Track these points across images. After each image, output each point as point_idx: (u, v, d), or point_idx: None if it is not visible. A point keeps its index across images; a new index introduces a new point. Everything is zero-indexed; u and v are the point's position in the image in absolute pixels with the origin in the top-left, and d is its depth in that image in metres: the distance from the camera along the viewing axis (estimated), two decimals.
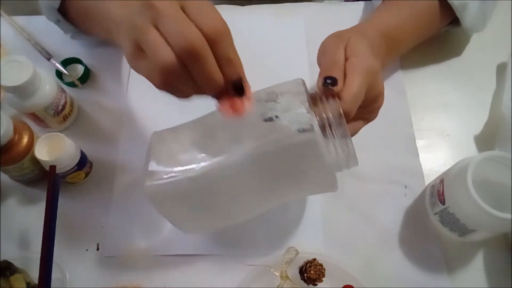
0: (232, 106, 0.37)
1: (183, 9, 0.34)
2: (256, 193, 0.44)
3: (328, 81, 0.41)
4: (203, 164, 0.41)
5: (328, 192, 0.47)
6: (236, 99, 0.37)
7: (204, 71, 0.34)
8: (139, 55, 0.35)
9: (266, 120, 0.40)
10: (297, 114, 0.39)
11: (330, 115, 0.40)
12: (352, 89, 0.41)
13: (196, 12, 0.34)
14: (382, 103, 0.48)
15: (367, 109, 0.47)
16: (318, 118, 0.40)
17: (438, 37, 0.65)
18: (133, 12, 0.36)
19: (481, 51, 0.67)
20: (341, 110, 0.40)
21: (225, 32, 0.34)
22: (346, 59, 0.44)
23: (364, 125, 0.49)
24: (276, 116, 0.40)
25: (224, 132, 0.42)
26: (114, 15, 0.47)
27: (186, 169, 0.41)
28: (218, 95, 0.37)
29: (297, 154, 0.40)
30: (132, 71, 0.66)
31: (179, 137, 0.45)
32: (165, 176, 0.41)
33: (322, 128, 0.40)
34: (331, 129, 0.40)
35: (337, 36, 0.48)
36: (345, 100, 0.41)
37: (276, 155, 0.40)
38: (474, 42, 0.67)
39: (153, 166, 0.42)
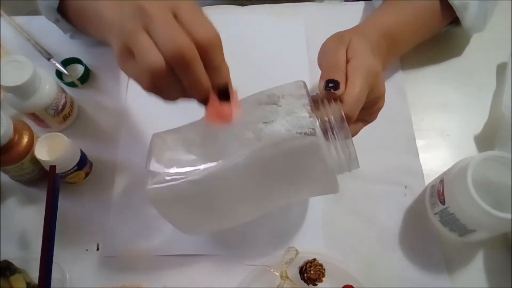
0: (218, 113, 0.38)
1: (175, 16, 0.35)
2: (257, 196, 0.44)
3: (330, 84, 0.41)
4: (204, 166, 0.41)
5: (329, 194, 0.47)
6: (223, 105, 0.38)
7: (192, 77, 0.35)
8: (128, 57, 0.36)
9: (266, 124, 0.40)
10: (299, 118, 0.39)
11: (332, 118, 0.40)
12: (354, 92, 0.41)
13: (188, 19, 0.35)
14: (383, 105, 0.48)
15: (367, 111, 0.47)
16: (320, 121, 0.40)
17: (439, 37, 0.65)
18: (124, 15, 0.36)
19: (481, 51, 0.67)
20: (343, 113, 0.40)
21: (216, 41, 0.35)
22: (347, 61, 0.44)
23: (363, 127, 0.49)
24: (278, 120, 0.40)
25: (225, 134, 0.42)
26: (106, 16, 0.47)
27: (187, 172, 0.41)
28: (204, 101, 0.37)
29: (299, 157, 0.40)
30: None
31: (180, 139, 0.45)
32: (167, 178, 0.41)
33: (324, 131, 0.40)
34: (333, 133, 0.40)
35: (338, 38, 0.48)
36: (347, 103, 0.41)
37: (278, 159, 0.40)
38: (474, 42, 0.67)
39: (154, 168, 0.42)
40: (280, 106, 0.41)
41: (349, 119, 0.40)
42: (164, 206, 0.44)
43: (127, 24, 0.35)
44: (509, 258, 0.52)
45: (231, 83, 0.38)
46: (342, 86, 0.41)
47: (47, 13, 0.61)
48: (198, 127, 0.45)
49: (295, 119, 0.39)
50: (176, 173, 0.41)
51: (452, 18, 0.60)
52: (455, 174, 0.49)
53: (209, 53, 0.35)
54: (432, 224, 0.54)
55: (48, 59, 0.64)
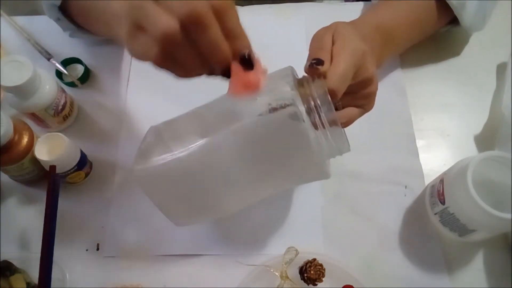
0: (244, 82, 0.34)
1: None
2: (244, 178, 0.44)
3: (314, 61, 0.41)
4: (190, 146, 0.41)
5: (321, 179, 0.46)
6: (248, 74, 0.34)
7: (210, 38, 0.32)
8: (137, 33, 0.34)
9: (251, 102, 0.39)
10: (281, 92, 0.39)
11: (315, 93, 0.39)
12: (338, 68, 0.41)
13: None
14: (376, 88, 0.46)
15: (359, 94, 0.46)
16: (303, 99, 0.39)
17: (438, 36, 0.65)
18: None
19: (481, 51, 0.67)
20: (326, 88, 0.39)
21: (231, 5, 0.33)
22: (333, 44, 0.44)
23: (360, 114, 0.47)
24: (260, 97, 0.39)
25: (211, 116, 0.43)
26: (112, 8, 0.45)
27: (174, 153, 0.41)
28: (226, 72, 0.35)
29: (280, 132, 0.40)
30: (132, 70, 0.67)
31: (171, 126, 0.45)
32: (154, 160, 0.41)
33: (308, 109, 0.39)
34: (316, 109, 0.39)
35: (325, 27, 0.48)
36: (331, 79, 0.40)
37: (260, 135, 0.40)
38: (474, 42, 0.67)
39: (143, 152, 0.43)
40: (265, 86, 0.41)
41: (333, 95, 0.39)
42: (152, 189, 0.43)
43: (136, 1, 0.33)
44: (509, 258, 0.52)
45: (252, 50, 0.35)
46: (326, 64, 0.41)
47: (49, 11, 0.61)
48: (189, 114, 0.46)
49: (277, 94, 0.39)
50: (162, 154, 0.41)
51: (451, 17, 0.60)
52: (455, 174, 0.49)
53: (226, 17, 0.33)
54: (432, 224, 0.54)
55: (48, 59, 0.64)
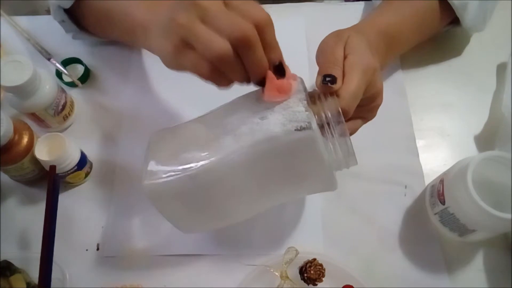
0: (279, 87, 0.39)
1: (225, 5, 0.37)
2: (255, 192, 0.44)
3: (328, 78, 0.41)
4: (202, 162, 0.41)
5: (327, 191, 0.47)
6: (283, 81, 0.39)
7: (255, 57, 0.37)
8: (183, 51, 0.37)
9: (263, 119, 0.40)
10: (295, 113, 0.39)
11: (329, 113, 0.40)
12: (351, 87, 0.41)
13: (239, 6, 0.37)
14: (381, 102, 0.47)
15: (365, 107, 0.46)
16: (316, 116, 0.40)
17: (438, 37, 0.65)
18: (173, 12, 0.37)
19: (481, 51, 0.67)
20: (339, 108, 0.40)
21: (270, 21, 0.38)
22: (344, 58, 0.44)
23: (362, 124, 0.48)
24: (273, 115, 0.40)
25: (223, 130, 0.42)
26: (139, 18, 0.48)
27: (185, 168, 0.41)
28: (261, 80, 0.39)
29: (295, 153, 0.40)
30: (132, 70, 0.67)
31: (177, 136, 0.45)
32: (163, 175, 0.41)
33: (321, 126, 0.40)
34: (329, 127, 0.40)
35: (336, 35, 0.48)
36: (344, 98, 0.41)
37: (273, 154, 0.40)
38: (474, 42, 0.67)
39: (152, 165, 0.42)
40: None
41: (345, 114, 0.40)
42: (160, 202, 0.43)
43: (181, 18, 0.36)
44: (509, 258, 0.52)
45: (283, 59, 0.40)
46: (339, 81, 0.41)
47: (55, 12, 0.60)
48: (196, 123, 0.45)
49: (291, 113, 0.39)
50: (174, 169, 0.41)
51: (452, 18, 0.60)
52: (455, 174, 0.49)
53: (266, 32, 0.37)
54: (432, 224, 0.54)
55: (48, 59, 0.64)
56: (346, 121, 0.40)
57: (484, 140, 0.60)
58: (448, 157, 0.59)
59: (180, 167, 0.41)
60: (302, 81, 0.43)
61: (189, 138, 0.44)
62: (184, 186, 0.41)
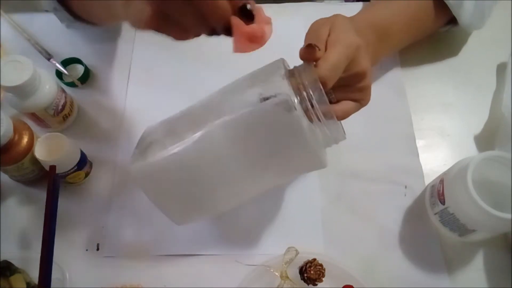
0: (248, 35, 0.34)
1: None
2: (242, 170, 0.43)
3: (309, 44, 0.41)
4: (185, 140, 0.41)
5: (318, 169, 0.46)
6: (253, 26, 0.34)
7: None
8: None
9: (242, 94, 0.40)
10: (272, 82, 0.39)
11: (306, 81, 0.39)
12: (330, 57, 0.41)
13: None
14: (369, 83, 0.46)
15: (352, 88, 0.46)
16: (294, 87, 0.39)
17: (438, 36, 0.65)
18: None
19: (481, 51, 0.67)
20: (316, 76, 0.39)
21: None
22: (328, 36, 0.44)
23: (356, 108, 0.46)
24: (252, 88, 0.40)
25: (206, 110, 0.43)
26: None
27: (170, 148, 0.41)
28: (226, 29, 0.34)
29: (274, 124, 0.40)
30: (132, 70, 0.67)
31: (166, 124, 0.46)
32: (150, 157, 0.42)
33: (300, 98, 0.39)
34: (307, 95, 0.39)
35: (323, 19, 0.48)
36: (321, 66, 0.40)
37: (254, 126, 0.40)
38: (474, 42, 0.67)
39: (139, 151, 0.43)
40: (257, 78, 0.41)
41: (324, 84, 0.40)
42: (148, 185, 0.43)
43: None
44: (509, 258, 0.52)
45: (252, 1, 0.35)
46: (320, 52, 0.41)
47: (46, 2, 0.60)
48: (183, 112, 0.46)
49: (268, 84, 0.39)
50: (159, 152, 0.42)
51: (449, 17, 0.60)
52: (455, 174, 0.49)
53: None
54: (432, 224, 0.54)
55: (48, 59, 0.64)
56: (335, 102, 0.40)
57: (484, 140, 0.60)
58: (448, 157, 0.59)
59: (166, 149, 0.41)
60: (283, 60, 0.43)
61: (173, 123, 0.45)
62: (169, 166, 0.41)
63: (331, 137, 0.42)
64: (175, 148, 0.41)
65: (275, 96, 0.38)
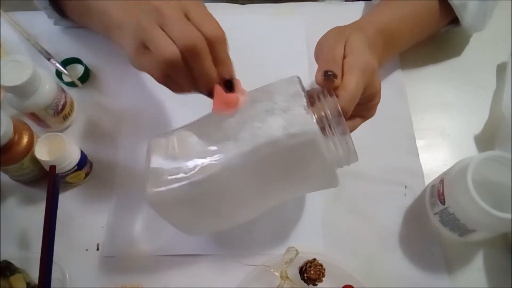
0: (225, 101, 0.41)
1: (185, 15, 0.39)
2: (258, 194, 0.44)
3: (329, 73, 0.42)
4: (204, 168, 0.41)
5: (329, 188, 0.47)
6: (230, 95, 0.41)
7: (202, 67, 0.39)
8: (143, 52, 0.40)
9: (263, 123, 0.40)
10: (296, 115, 0.39)
11: (329, 113, 0.40)
12: (350, 87, 0.41)
13: (198, 18, 0.39)
14: (379, 100, 0.48)
15: (364, 106, 0.47)
16: (316, 116, 0.40)
17: (438, 37, 0.65)
18: (138, 15, 0.40)
19: (481, 51, 0.67)
20: (339, 108, 0.40)
21: (222, 37, 0.40)
22: (344, 57, 0.44)
23: (362, 123, 0.48)
24: (274, 118, 0.40)
25: (223, 135, 0.42)
26: (114, 18, 0.50)
27: (187, 175, 0.41)
28: (211, 92, 0.41)
29: (297, 155, 0.40)
30: (132, 70, 0.66)
31: (177, 141, 0.44)
32: (165, 182, 0.41)
33: (321, 127, 0.40)
34: (330, 128, 0.40)
35: (337, 32, 0.48)
36: (343, 97, 0.41)
37: (276, 157, 0.40)
38: (474, 42, 0.67)
39: (152, 171, 0.42)
40: (276, 103, 0.41)
41: (345, 114, 0.40)
42: (164, 209, 0.43)
43: (143, 23, 0.39)
44: (509, 258, 0.52)
45: (234, 75, 0.42)
46: (338, 79, 0.42)
47: (38, 2, 0.62)
48: (195, 128, 0.45)
49: (292, 116, 0.39)
50: (175, 176, 0.41)
51: (451, 18, 0.60)
52: (455, 174, 0.49)
53: (217, 48, 0.39)
54: (432, 224, 0.54)
55: (48, 59, 0.64)
56: (346, 120, 0.40)
57: (484, 140, 0.60)
58: (448, 157, 0.59)
59: (183, 175, 0.41)
60: (299, 81, 0.43)
61: (189, 145, 0.43)
62: (187, 194, 0.41)
63: (345, 159, 0.43)
64: (195, 176, 0.40)
65: (301, 132, 0.39)
